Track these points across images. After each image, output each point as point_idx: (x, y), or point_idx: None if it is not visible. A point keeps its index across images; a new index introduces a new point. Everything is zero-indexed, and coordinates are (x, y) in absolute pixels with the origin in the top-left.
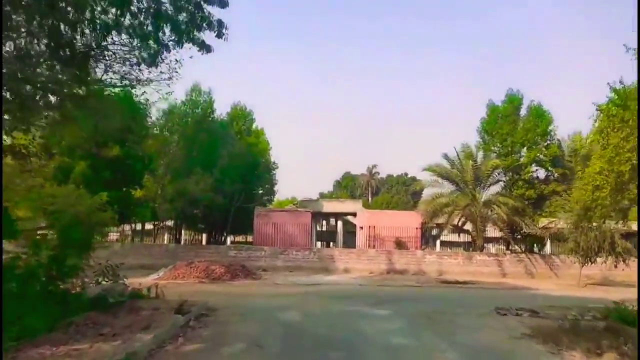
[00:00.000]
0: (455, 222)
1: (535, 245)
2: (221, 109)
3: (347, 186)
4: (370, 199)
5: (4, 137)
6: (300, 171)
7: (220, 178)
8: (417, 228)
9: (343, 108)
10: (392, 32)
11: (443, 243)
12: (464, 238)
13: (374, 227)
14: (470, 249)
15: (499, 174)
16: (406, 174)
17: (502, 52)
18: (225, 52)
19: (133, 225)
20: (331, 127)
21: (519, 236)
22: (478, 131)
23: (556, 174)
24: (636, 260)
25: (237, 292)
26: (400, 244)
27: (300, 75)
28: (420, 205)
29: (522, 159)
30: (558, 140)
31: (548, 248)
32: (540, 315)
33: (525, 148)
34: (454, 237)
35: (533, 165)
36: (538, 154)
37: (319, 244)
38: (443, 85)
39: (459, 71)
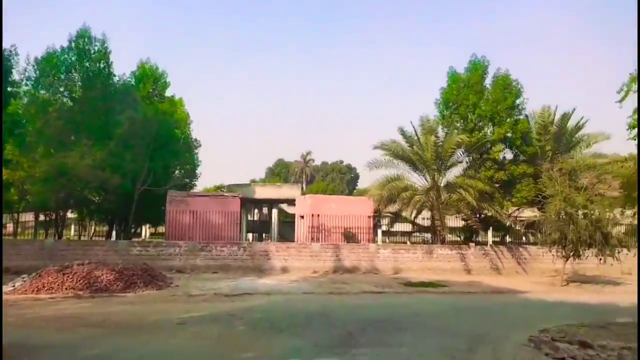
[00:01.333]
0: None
1: (505, 236)
2: (123, 68)
3: (279, 173)
4: (304, 187)
5: None
6: (229, 156)
7: (117, 152)
8: (368, 217)
9: (275, 90)
10: (329, 9)
11: (384, 233)
12: (405, 227)
13: (318, 215)
14: (413, 240)
15: (462, 153)
16: (341, 162)
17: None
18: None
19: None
20: (263, 111)
21: (486, 226)
22: (437, 104)
23: (526, 154)
24: (628, 253)
25: (116, 319)
26: (349, 236)
27: (229, 53)
28: (371, 189)
29: (489, 136)
30: (526, 115)
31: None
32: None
33: (492, 123)
34: (399, 227)
35: (501, 143)
36: (507, 131)
37: (250, 236)
38: (381, 68)
39: (399, 48)
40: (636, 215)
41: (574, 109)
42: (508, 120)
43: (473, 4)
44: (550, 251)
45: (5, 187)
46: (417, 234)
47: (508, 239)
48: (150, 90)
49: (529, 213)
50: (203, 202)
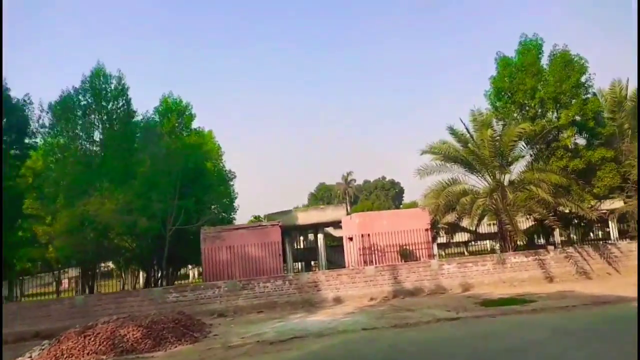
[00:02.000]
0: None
1: (587, 233)
2: (145, 106)
3: (322, 198)
4: (348, 208)
5: None
6: (269, 187)
7: (142, 192)
8: (425, 230)
9: (310, 114)
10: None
11: (440, 246)
12: (460, 237)
13: (368, 235)
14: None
15: (525, 145)
16: (384, 178)
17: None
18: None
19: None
20: (300, 138)
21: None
22: (487, 95)
23: (601, 136)
24: None
25: None
26: (406, 254)
27: (260, 79)
28: (425, 199)
29: (555, 122)
30: (594, 93)
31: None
32: None
33: (557, 107)
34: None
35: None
36: (577, 112)
37: (298, 265)
38: (417, 78)
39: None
40: None
41: None
42: (574, 101)
43: None
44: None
45: (40, 244)
46: (472, 242)
47: (591, 236)
48: (176, 125)
49: (611, 205)
50: (240, 236)
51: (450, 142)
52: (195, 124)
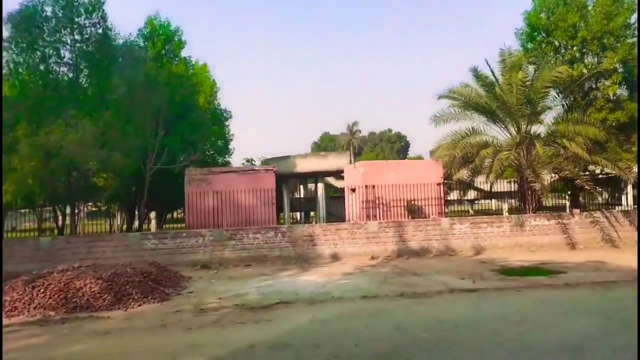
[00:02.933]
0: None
1: (616, 197)
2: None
3: (326, 148)
4: (352, 159)
5: None
6: (270, 134)
7: (116, 124)
8: (437, 184)
9: (317, 62)
10: None
11: (446, 203)
12: (470, 195)
13: (373, 187)
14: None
15: (559, 93)
16: (390, 130)
17: None
18: None
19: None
20: (305, 84)
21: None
22: (518, 35)
23: None
24: None
25: None
26: (413, 210)
27: (268, 21)
28: (439, 150)
29: (597, 66)
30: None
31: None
32: None
33: (601, 49)
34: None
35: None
36: (624, 56)
37: (298, 216)
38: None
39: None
40: None
41: None
42: (620, 44)
43: None
44: None
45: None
46: (477, 201)
47: (624, 200)
48: (163, 52)
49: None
50: (229, 180)
51: (472, 86)
52: (188, 54)
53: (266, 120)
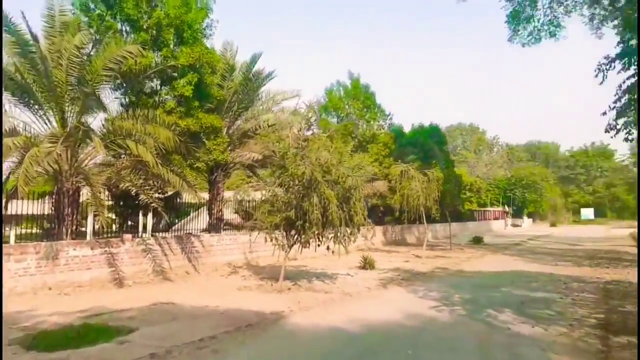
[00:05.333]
0: None
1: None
2: None
3: None
4: None
5: None
6: None
7: None
8: None
9: None
10: None
11: None
12: None
13: None
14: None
15: (123, 82)
16: None
17: None
18: None
19: None
20: None
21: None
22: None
23: (214, 100)
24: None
25: None
26: None
27: None
28: None
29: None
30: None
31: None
32: None
33: (178, 40)
34: None
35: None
36: (202, 55)
37: None
38: None
39: None
40: None
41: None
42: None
43: None
44: (271, 239)
45: None
46: None
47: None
48: None
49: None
50: None
51: None
52: None
53: None
